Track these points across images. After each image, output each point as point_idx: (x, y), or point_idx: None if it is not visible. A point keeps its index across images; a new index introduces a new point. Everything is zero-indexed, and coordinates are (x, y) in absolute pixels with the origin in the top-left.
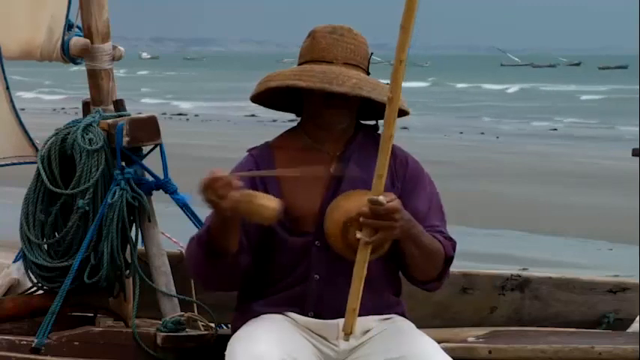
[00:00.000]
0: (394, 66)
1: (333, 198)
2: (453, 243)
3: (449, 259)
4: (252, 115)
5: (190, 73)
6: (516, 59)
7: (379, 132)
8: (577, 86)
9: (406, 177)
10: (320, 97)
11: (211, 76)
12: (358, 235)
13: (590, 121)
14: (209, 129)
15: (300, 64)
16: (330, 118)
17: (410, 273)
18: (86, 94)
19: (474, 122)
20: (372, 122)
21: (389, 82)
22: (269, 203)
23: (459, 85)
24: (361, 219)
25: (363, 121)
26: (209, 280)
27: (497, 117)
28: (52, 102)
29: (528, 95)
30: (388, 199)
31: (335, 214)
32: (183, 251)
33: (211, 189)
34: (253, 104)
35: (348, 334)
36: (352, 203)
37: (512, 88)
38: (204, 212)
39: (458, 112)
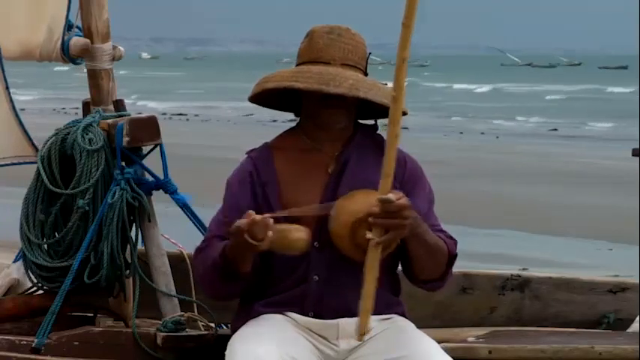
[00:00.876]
0: (397, 64)
1: (331, 199)
2: (455, 242)
3: (452, 258)
4: (251, 115)
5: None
6: (516, 59)
7: (378, 132)
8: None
9: (405, 177)
10: (317, 98)
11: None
12: (368, 235)
13: (557, 120)
14: (209, 129)
15: (297, 65)
16: (329, 119)
17: (414, 272)
18: (62, 94)
19: (444, 122)
20: (371, 122)
21: (388, 82)
22: (301, 235)
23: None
24: (370, 219)
25: (361, 121)
26: (220, 296)
27: (463, 117)
28: (26, 102)
29: (497, 95)
30: (397, 197)
31: (342, 215)
32: (184, 252)
33: (250, 233)
34: (252, 105)
35: (362, 334)
36: (359, 204)
37: (482, 89)
38: (204, 212)
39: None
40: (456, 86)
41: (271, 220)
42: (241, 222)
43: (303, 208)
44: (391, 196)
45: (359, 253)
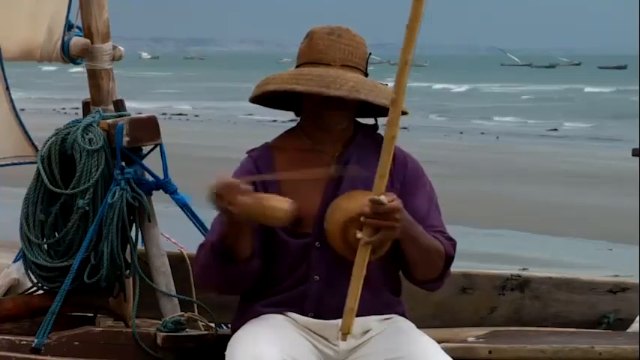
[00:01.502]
0: (399, 67)
1: (332, 199)
2: (454, 243)
3: (449, 259)
4: (251, 115)
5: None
6: (516, 59)
7: (379, 131)
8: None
9: (406, 177)
10: (318, 100)
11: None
12: (358, 234)
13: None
14: (209, 129)
15: (297, 66)
16: (329, 120)
17: (410, 273)
18: (47, 94)
19: (444, 122)
20: (372, 122)
21: (388, 83)
22: (280, 204)
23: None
24: (362, 218)
25: (362, 119)
26: (221, 286)
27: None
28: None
29: (472, 94)
30: (389, 199)
31: (335, 214)
32: (184, 252)
33: (220, 195)
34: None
35: (345, 334)
36: (353, 203)
37: (460, 89)
38: (204, 212)
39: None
40: (456, 86)
41: (247, 186)
42: (212, 183)
43: (293, 173)
44: (383, 197)
45: (350, 252)
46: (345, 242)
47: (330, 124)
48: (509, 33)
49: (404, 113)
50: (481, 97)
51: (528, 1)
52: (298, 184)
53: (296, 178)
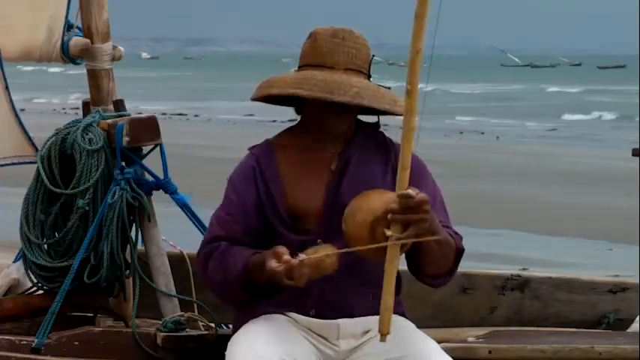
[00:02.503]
0: (410, 56)
1: (334, 196)
2: (460, 237)
3: (460, 253)
4: (251, 115)
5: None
6: (516, 60)
7: (380, 129)
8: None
9: (409, 175)
10: (321, 105)
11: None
12: (388, 232)
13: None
14: (209, 129)
15: (300, 67)
16: (332, 123)
17: (422, 268)
18: (29, 95)
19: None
20: (373, 119)
21: (390, 86)
22: (332, 260)
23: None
24: (389, 216)
25: (364, 115)
26: (237, 303)
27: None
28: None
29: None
30: (416, 192)
31: (359, 216)
32: (184, 252)
33: (287, 275)
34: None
35: (385, 334)
36: (375, 202)
37: (460, 89)
38: (204, 212)
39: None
40: (456, 86)
41: (304, 257)
42: (279, 268)
43: (325, 249)
44: (411, 191)
45: (377, 252)
46: (373, 242)
47: (332, 127)
48: (510, 33)
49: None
50: (481, 97)
51: (528, 1)
52: (300, 181)
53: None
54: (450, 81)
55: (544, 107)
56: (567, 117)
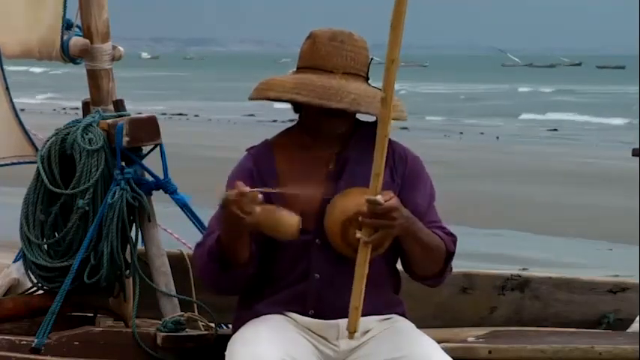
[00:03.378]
0: (386, 65)
1: (332, 196)
2: (454, 238)
3: (450, 255)
4: (251, 115)
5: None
6: (517, 60)
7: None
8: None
9: (406, 172)
10: (318, 110)
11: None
12: (358, 234)
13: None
14: (209, 129)
15: (299, 68)
16: (329, 127)
17: (411, 269)
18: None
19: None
20: (370, 118)
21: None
22: (291, 220)
23: None
24: (360, 218)
25: (362, 114)
26: (220, 286)
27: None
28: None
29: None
30: (386, 198)
31: (334, 213)
32: (183, 252)
33: (237, 204)
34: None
35: (352, 332)
36: (350, 202)
37: (460, 89)
38: (204, 212)
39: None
40: (457, 86)
41: (260, 196)
42: (229, 191)
43: (298, 188)
44: (379, 197)
45: (350, 251)
46: (345, 241)
47: (329, 130)
48: (510, 33)
49: (398, 119)
50: (481, 97)
51: (528, 1)
52: (298, 181)
53: (292, 192)
54: (451, 81)
55: (504, 107)
56: (524, 116)
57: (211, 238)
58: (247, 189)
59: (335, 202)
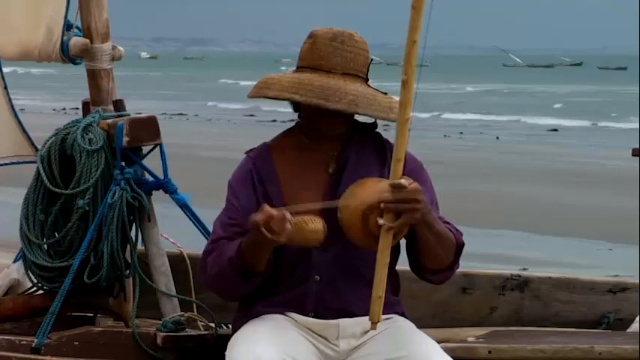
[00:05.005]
0: (407, 47)
1: (332, 198)
2: (461, 233)
3: (460, 247)
4: (251, 115)
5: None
6: (518, 60)
7: (377, 130)
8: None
9: (405, 173)
10: (317, 110)
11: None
12: (380, 221)
13: None
14: (209, 129)
15: (298, 68)
16: (327, 127)
17: (422, 262)
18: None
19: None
20: (369, 120)
21: (388, 85)
22: (318, 227)
23: None
24: (382, 205)
25: (361, 115)
26: (236, 295)
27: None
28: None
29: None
30: (409, 182)
31: (352, 203)
32: (183, 252)
33: (267, 227)
34: (251, 105)
35: (375, 322)
36: (369, 191)
37: (461, 89)
38: (204, 212)
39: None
40: (457, 86)
41: (289, 214)
42: (258, 217)
43: (308, 205)
44: (403, 181)
45: (370, 240)
46: (366, 231)
47: (327, 131)
48: (510, 33)
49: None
50: (482, 97)
51: (528, 1)
52: (298, 183)
53: (305, 210)
54: (451, 81)
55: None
56: (524, 116)
57: (230, 249)
58: (274, 211)
59: (351, 193)
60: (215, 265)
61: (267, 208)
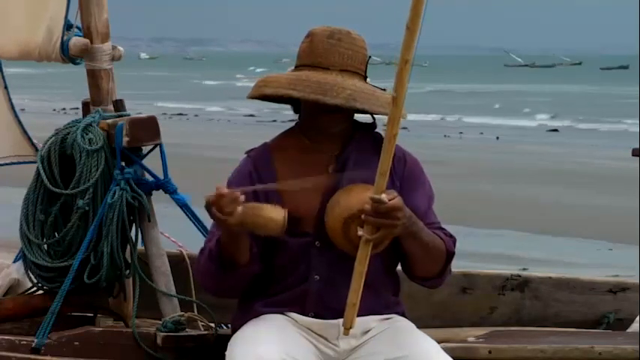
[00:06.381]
0: (399, 66)
1: (327, 190)
2: (454, 239)
3: (450, 255)
4: (252, 115)
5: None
6: (519, 59)
7: (377, 130)
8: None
9: (405, 174)
10: (315, 106)
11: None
12: (360, 232)
13: None
14: (209, 129)
15: (297, 67)
16: (327, 124)
17: (411, 270)
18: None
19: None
20: (369, 120)
21: (386, 88)
22: (275, 215)
23: None
24: (363, 216)
25: (360, 115)
26: (220, 292)
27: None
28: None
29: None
30: (390, 197)
31: (336, 209)
32: (183, 252)
33: (217, 206)
34: (251, 105)
35: (347, 328)
36: (353, 199)
37: (460, 89)
38: (204, 212)
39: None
40: (457, 86)
41: (241, 196)
42: (208, 194)
43: (292, 182)
44: (384, 196)
45: (351, 247)
46: (346, 238)
47: (327, 128)
48: (510, 33)
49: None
50: (481, 97)
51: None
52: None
53: (295, 188)
54: (451, 81)
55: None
56: (524, 116)
57: (212, 241)
58: (226, 190)
59: (337, 198)
60: (202, 260)
61: (219, 186)
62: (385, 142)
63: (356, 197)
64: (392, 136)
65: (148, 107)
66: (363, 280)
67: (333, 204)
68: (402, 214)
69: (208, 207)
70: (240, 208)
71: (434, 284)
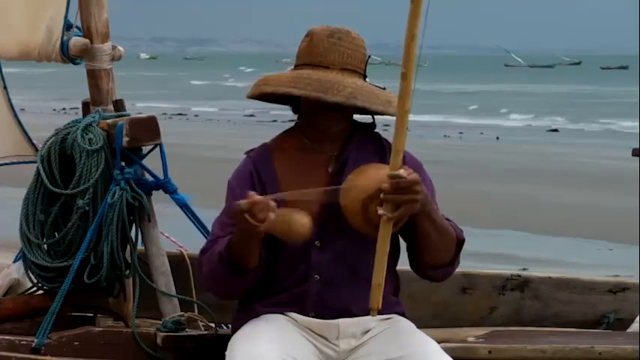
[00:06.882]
0: (406, 40)
1: (333, 200)
2: (461, 230)
3: (460, 243)
4: (252, 116)
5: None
6: (519, 60)
7: (376, 130)
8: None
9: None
10: (315, 104)
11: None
12: (380, 211)
13: None
14: (209, 129)
15: (297, 66)
16: (327, 123)
17: (423, 257)
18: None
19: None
20: (369, 120)
21: (385, 87)
22: (304, 221)
23: None
24: (382, 195)
25: (360, 116)
26: (228, 295)
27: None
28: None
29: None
30: (408, 172)
31: (352, 192)
32: (184, 252)
33: (250, 214)
34: (252, 105)
35: (375, 309)
36: (370, 179)
37: (460, 89)
38: (203, 212)
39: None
40: (457, 86)
41: (273, 202)
42: (242, 202)
43: (305, 191)
44: (402, 171)
45: (370, 228)
46: (365, 219)
47: (327, 127)
48: (511, 33)
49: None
50: (482, 96)
51: (529, 1)
52: (298, 183)
53: (301, 197)
54: (451, 81)
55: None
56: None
57: (221, 244)
58: (260, 198)
59: (352, 181)
60: (208, 262)
61: (252, 194)
62: (397, 118)
63: (372, 177)
64: (404, 112)
65: (148, 107)
66: (386, 260)
67: (349, 187)
68: (421, 189)
69: (239, 213)
70: (272, 215)
71: (445, 273)
